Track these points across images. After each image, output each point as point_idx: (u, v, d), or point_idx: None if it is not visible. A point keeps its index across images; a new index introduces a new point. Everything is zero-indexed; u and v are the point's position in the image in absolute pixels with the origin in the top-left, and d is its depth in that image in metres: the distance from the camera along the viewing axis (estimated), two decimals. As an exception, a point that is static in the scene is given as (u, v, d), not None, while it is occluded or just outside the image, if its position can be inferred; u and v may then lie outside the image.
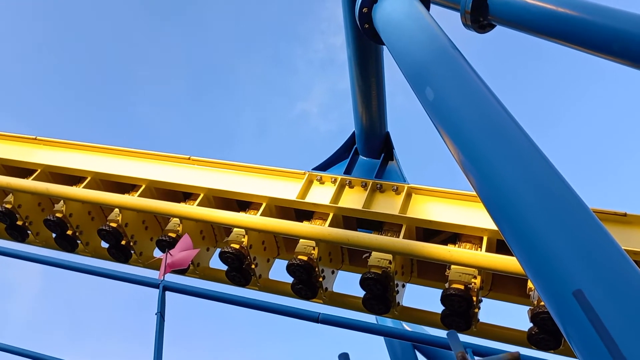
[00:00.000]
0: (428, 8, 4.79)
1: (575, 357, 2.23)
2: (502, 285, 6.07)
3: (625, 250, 2.26)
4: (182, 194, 7.52)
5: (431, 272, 6.35)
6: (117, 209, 7.18)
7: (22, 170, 8.23)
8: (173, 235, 6.87)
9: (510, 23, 4.99)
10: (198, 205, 6.98)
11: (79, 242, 7.76)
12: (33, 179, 7.90)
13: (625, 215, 5.64)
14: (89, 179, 7.74)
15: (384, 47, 5.56)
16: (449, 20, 5.32)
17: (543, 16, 4.47)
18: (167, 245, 6.63)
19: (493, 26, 5.30)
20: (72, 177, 7.99)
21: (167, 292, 4.97)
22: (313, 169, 7.28)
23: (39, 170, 8.03)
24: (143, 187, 7.43)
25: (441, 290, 5.61)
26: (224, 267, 6.73)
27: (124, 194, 7.56)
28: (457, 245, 6.04)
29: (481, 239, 5.88)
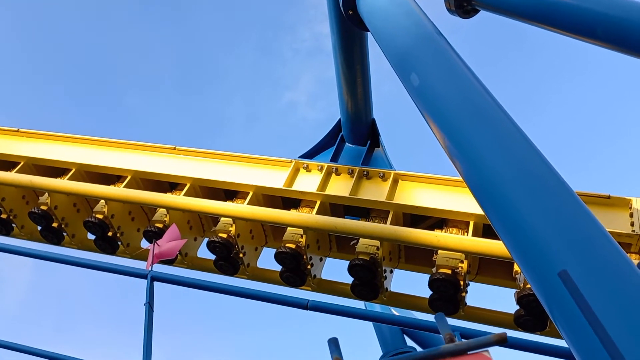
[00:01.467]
0: (412, -7, 4.77)
1: (561, 338, 2.26)
2: (489, 269, 6.14)
3: (608, 231, 2.30)
4: (169, 184, 7.48)
5: (419, 257, 6.40)
6: (102, 201, 7.12)
7: (5, 163, 8.10)
8: (160, 225, 6.84)
9: (493, 8, 5.00)
10: (184, 195, 6.94)
11: (64, 234, 7.69)
12: (16, 172, 7.79)
13: (608, 197, 5.72)
14: (73, 170, 7.65)
15: (369, 33, 5.54)
16: (435, 6, 5.32)
17: (526, 0, 4.49)
18: (154, 235, 6.59)
19: (477, 11, 5.30)
20: (56, 169, 7.89)
21: (155, 283, 4.95)
22: (299, 157, 7.26)
23: (22, 163, 7.92)
24: (129, 177, 7.37)
25: (429, 275, 5.67)
26: (212, 257, 6.73)
27: (109, 185, 7.49)
28: (443, 230, 6.09)
29: (467, 223, 5.93)
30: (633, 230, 5.34)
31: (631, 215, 5.53)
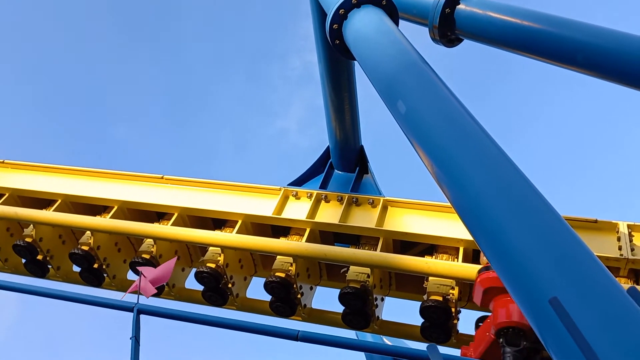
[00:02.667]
0: (397, 23, 4.86)
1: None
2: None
3: (597, 256, 2.30)
4: (156, 214, 7.40)
5: (410, 284, 6.36)
6: (88, 232, 7.03)
7: (-11, 194, 8.00)
8: (147, 256, 6.75)
9: (477, 37, 5.11)
10: (172, 224, 6.88)
11: (49, 267, 7.55)
12: (1, 204, 7.68)
13: (595, 221, 5.76)
14: (59, 201, 7.56)
15: (355, 62, 5.61)
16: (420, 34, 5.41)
17: (508, 30, 4.59)
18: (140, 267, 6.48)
19: (460, 40, 5.42)
20: (42, 201, 7.80)
21: (142, 315, 4.85)
22: (288, 185, 7.26)
23: (7, 195, 7.82)
24: (115, 208, 7.30)
25: (420, 303, 5.62)
26: (200, 287, 6.63)
27: (95, 215, 7.41)
28: (434, 256, 6.07)
29: (457, 249, 5.92)
30: (621, 254, 5.36)
31: (618, 239, 5.56)
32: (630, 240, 5.54)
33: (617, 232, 5.65)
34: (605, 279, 2.09)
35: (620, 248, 5.46)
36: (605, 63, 4.06)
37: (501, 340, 4.49)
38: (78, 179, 7.94)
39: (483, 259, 5.31)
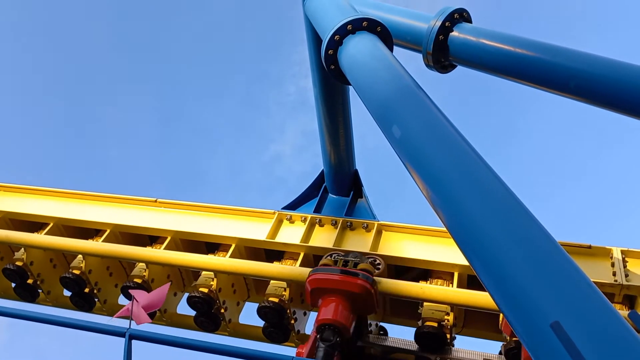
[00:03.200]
0: (391, 49, 4.92)
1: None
2: (475, 321, 6.06)
3: (592, 282, 2.29)
4: (149, 238, 7.35)
5: (404, 310, 6.30)
6: (80, 256, 6.95)
7: (-20, 217, 7.92)
8: (139, 280, 6.67)
9: (470, 63, 5.17)
10: (165, 248, 6.82)
11: (39, 291, 7.44)
12: (-9, 227, 7.60)
13: (589, 247, 5.77)
14: (51, 225, 7.50)
15: (350, 86, 5.66)
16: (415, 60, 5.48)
17: (501, 57, 4.66)
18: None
19: (454, 66, 5.49)
20: (33, 224, 7.73)
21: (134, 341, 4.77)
22: (283, 208, 7.24)
23: (-3, 217, 7.74)
24: (107, 231, 7.24)
25: (414, 329, 5.56)
26: (192, 312, 6.54)
27: (87, 239, 7.34)
28: (428, 281, 6.04)
29: (452, 274, 5.90)
30: (615, 280, 5.36)
31: (612, 265, 5.57)
32: (624, 266, 5.54)
33: (611, 257, 5.66)
34: (603, 305, 2.08)
35: (614, 274, 5.46)
36: (598, 90, 4.11)
37: (317, 336, 5.05)
38: (70, 202, 7.88)
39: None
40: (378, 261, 6.07)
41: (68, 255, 7.32)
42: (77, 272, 6.87)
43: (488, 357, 5.36)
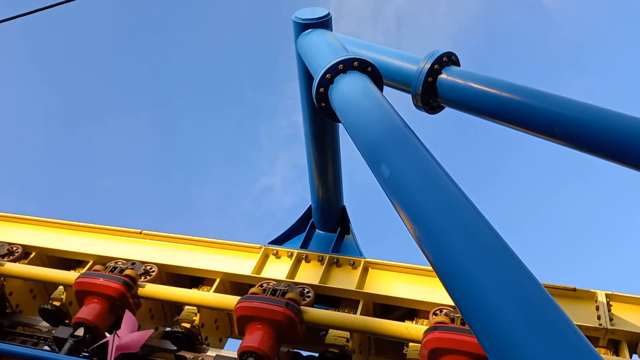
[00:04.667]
0: (381, 89, 5.01)
1: None
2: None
3: (576, 325, 2.29)
4: (133, 270, 7.22)
5: (389, 349, 6.22)
6: (61, 287, 6.80)
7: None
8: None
9: (457, 105, 5.28)
10: (149, 282, 6.71)
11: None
12: (-29, 254, 7.43)
13: (574, 290, 5.79)
14: (33, 254, 7.37)
15: (340, 124, 5.73)
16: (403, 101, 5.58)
17: (488, 100, 4.76)
18: (113, 326, 6.26)
19: (442, 108, 5.59)
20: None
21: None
22: (269, 243, 7.20)
23: (-22, 245, 7.59)
24: (90, 263, 7.12)
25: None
26: (173, 347, 6.39)
27: (70, 270, 7.20)
28: (414, 321, 5.99)
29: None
30: (600, 324, 5.37)
31: (597, 308, 5.58)
32: (609, 310, 5.56)
33: (596, 301, 5.68)
34: (588, 353, 2.07)
35: (599, 317, 5.47)
36: (582, 136, 4.20)
37: None
38: (54, 232, 7.77)
39: None
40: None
41: (49, 286, 7.16)
42: (57, 303, 6.72)
43: None
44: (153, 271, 6.74)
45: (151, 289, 6.40)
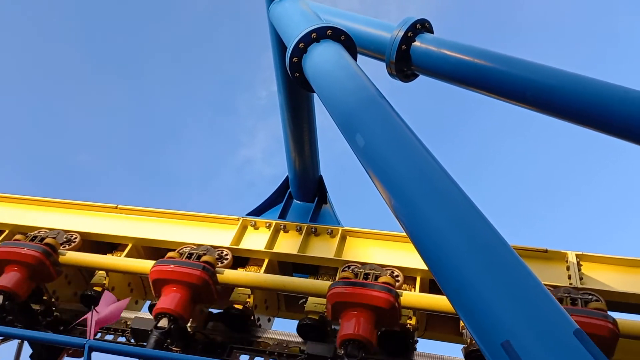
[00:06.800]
0: (355, 58, 4.98)
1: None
2: (437, 324, 6.16)
3: (547, 285, 2.38)
4: (109, 245, 7.17)
5: (444, 326, 6.28)
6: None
7: None
8: (99, 289, 6.50)
9: (431, 73, 5.29)
10: (126, 256, 6.69)
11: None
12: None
13: (546, 251, 5.96)
14: (6, 232, 7.25)
15: (315, 94, 5.70)
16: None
17: (462, 67, 4.78)
18: (92, 300, 6.25)
19: (416, 75, 5.60)
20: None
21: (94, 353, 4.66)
22: (247, 215, 7.21)
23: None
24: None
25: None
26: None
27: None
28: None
29: (415, 279, 5.99)
30: (570, 284, 5.55)
31: (568, 268, 5.76)
32: (579, 270, 5.75)
33: (567, 261, 5.86)
34: (559, 315, 2.14)
35: (569, 277, 5.66)
36: (552, 101, 4.27)
37: (342, 352, 5.07)
38: (29, 210, 7.64)
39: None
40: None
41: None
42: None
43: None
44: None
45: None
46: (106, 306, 4.63)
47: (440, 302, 5.31)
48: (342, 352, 4.95)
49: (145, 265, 6.21)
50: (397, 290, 5.30)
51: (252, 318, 6.05)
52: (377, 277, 5.52)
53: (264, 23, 6.47)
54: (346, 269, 5.90)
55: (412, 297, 5.56)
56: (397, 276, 5.84)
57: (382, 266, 5.88)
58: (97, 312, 4.53)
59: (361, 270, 5.65)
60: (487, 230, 2.64)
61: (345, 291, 5.14)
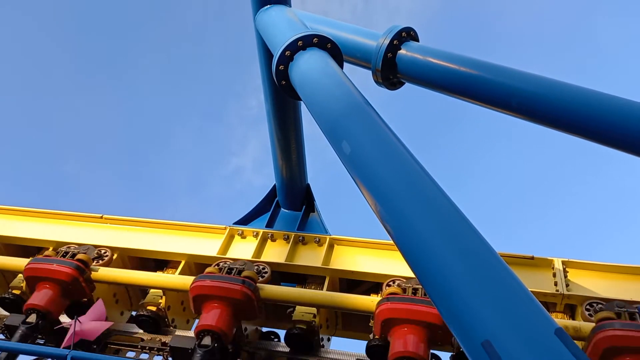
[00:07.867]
0: (341, 66, 4.99)
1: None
2: (350, 323, 6.21)
3: (534, 291, 2.38)
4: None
5: (356, 323, 6.33)
6: (20, 275, 6.63)
7: None
8: (84, 299, 6.41)
9: (417, 80, 5.31)
10: (111, 266, 6.61)
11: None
12: None
13: (532, 258, 5.98)
14: (-11, 243, 7.14)
15: (302, 102, 5.69)
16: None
17: (447, 75, 4.80)
18: (76, 311, 6.15)
19: (402, 84, 5.62)
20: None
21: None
22: (234, 223, 7.16)
23: None
24: (50, 249, 6.95)
25: (366, 342, 5.58)
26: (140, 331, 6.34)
27: (29, 257, 7.00)
28: (379, 294, 6.09)
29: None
30: (557, 290, 5.57)
31: (554, 275, 5.79)
32: (565, 276, 5.77)
33: (553, 268, 5.89)
34: (543, 320, 2.13)
35: (555, 284, 5.67)
36: (538, 109, 4.30)
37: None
38: (12, 219, 7.53)
39: None
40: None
41: (7, 275, 6.97)
42: (17, 292, 6.55)
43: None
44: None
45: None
46: (91, 317, 4.55)
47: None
48: None
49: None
50: None
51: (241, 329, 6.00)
52: None
53: (252, 31, 6.47)
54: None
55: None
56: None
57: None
58: (79, 322, 4.46)
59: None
60: (471, 235, 2.64)
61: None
